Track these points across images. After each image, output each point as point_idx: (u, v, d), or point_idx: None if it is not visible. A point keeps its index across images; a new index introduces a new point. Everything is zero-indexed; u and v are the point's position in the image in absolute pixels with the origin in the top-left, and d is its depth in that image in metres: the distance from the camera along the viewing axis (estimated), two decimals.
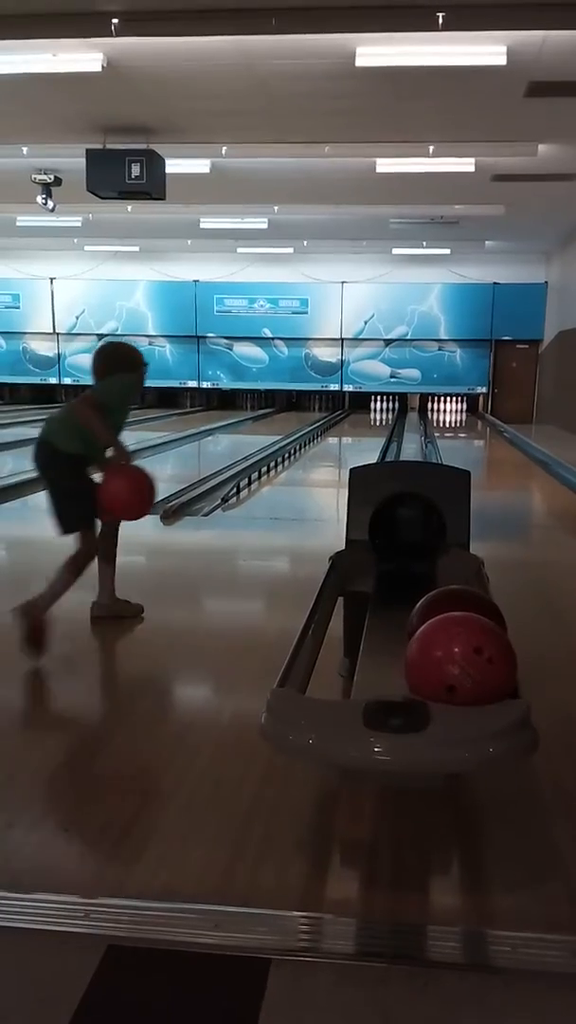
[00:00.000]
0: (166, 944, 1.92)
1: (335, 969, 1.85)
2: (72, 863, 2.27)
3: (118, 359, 4.36)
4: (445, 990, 1.79)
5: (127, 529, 7.17)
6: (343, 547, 3.55)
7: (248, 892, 2.11)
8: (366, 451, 12.59)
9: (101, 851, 2.33)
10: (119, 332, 20.41)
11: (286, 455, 11.60)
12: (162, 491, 8.33)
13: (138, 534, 6.79)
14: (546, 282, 18.75)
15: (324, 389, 20.39)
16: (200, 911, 2.02)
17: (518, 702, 2.07)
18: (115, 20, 6.07)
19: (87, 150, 9.04)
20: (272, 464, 10.52)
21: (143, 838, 2.37)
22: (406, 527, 3.59)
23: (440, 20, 5.75)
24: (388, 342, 19.81)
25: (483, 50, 6.50)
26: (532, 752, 2.03)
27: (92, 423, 3.94)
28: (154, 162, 8.99)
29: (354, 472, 3.74)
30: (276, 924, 1.99)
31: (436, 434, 15.57)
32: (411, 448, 13.06)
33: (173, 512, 7.09)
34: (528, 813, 2.54)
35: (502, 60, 6.55)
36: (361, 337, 19.85)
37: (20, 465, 9.95)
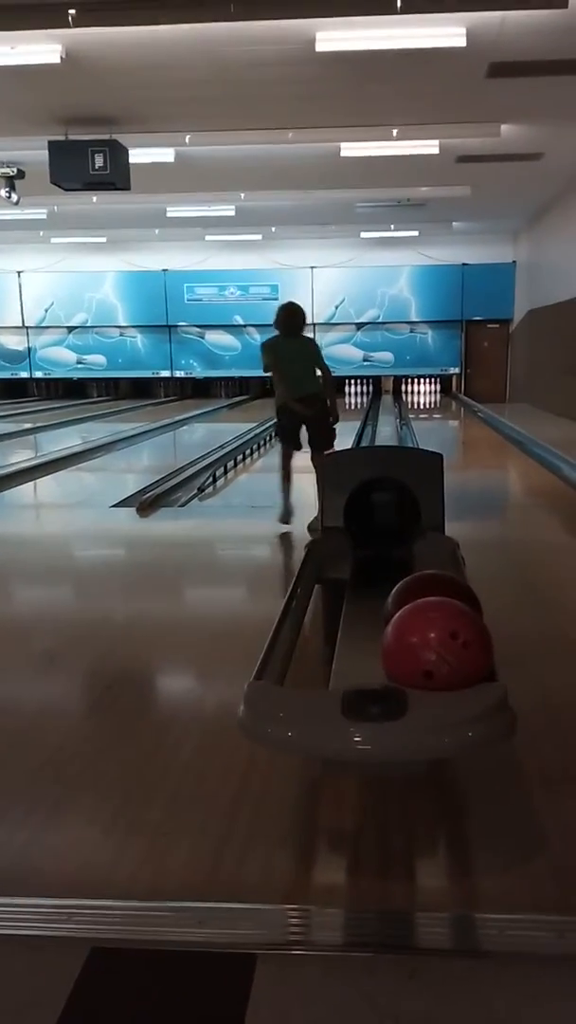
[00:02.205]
0: (150, 944, 1.91)
1: (322, 961, 1.85)
2: (55, 864, 2.26)
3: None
4: (433, 977, 1.80)
5: (103, 523, 7.15)
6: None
7: (233, 886, 2.11)
8: (341, 435, 12.54)
9: (84, 850, 2.32)
10: (89, 324, 20.27)
11: (262, 442, 11.57)
12: (138, 482, 8.35)
13: (115, 527, 6.78)
14: (514, 261, 18.79)
15: None
16: (185, 908, 2.02)
17: (495, 685, 2.08)
18: (72, 11, 5.98)
19: (49, 142, 8.92)
20: (248, 451, 10.50)
21: (126, 835, 2.36)
22: (380, 512, 3.59)
23: (399, 3, 5.71)
24: (360, 326, 19.79)
25: (442, 32, 6.46)
26: (511, 734, 2.04)
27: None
28: (117, 152, 8.89)
29: (327, 459, 3.73)
30: (262, 918, 1.99)
31: (411, 416, 15.58)
32: (386, 431, 13.07)
33: (149, 504, 7.06)
34: (510, 794, 2.56)
35: (462, 42, 6.53)
36: (333, 322, 19.81)
37: None
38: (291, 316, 6.26)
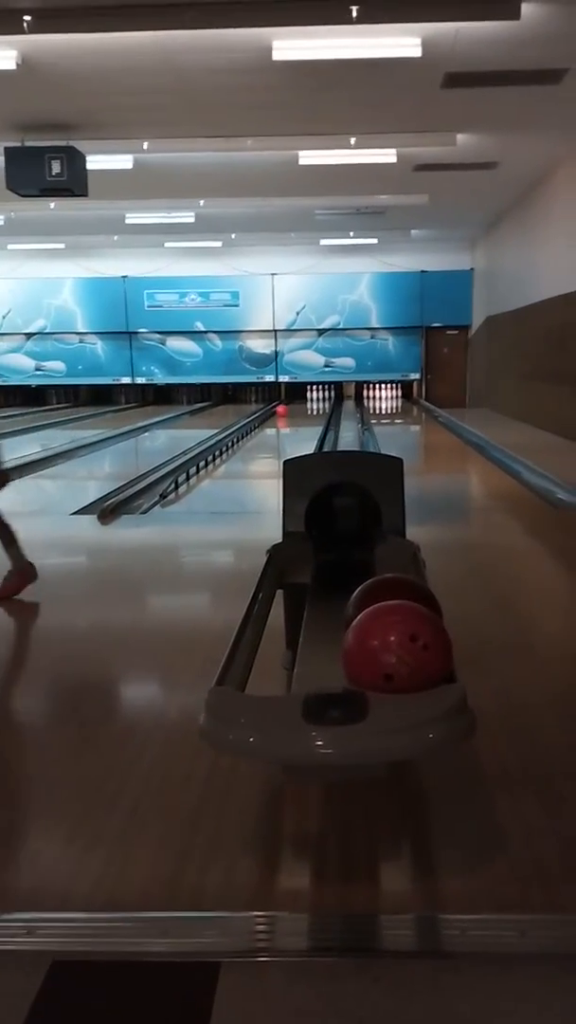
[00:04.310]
0: (113, 956, 1.89)
1: (286, 967, 1.85)
2: (14, 877, 2.23)
3: None
4: (397, 979, 1.81)
5: (63, 530, 7.09)
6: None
7: (196, 895, 2.10)
8: (304, 441, 12.63)
9: (44, 862, 2.30)
10: (48, 330, 20.15)
11: (224, 448, 11.57)
12: (99, 490, 8.30)
13: (76, 534, 6.73)
14: (472, 269, 19.01)
15: (259, 381, 20.40)
16: (147, 919, 2.00)
17: (454, 686, 2.09)
18: (27, 17, 5.95)
19: (5, 148, 8.87)
20: (210, 458, 10.49)
21: (87, 846, 2.34)
22: (342, 516, 3.60)
23: (354, 13, 5.77)
24: (321, 332, 19.90)
25: (398, 42, 6.55)
26: (471, 735, 2.05)
27: None
28: (75, 159, 8.86)
29: (288, 464, 3.74)
30: (225, 926, 1.98)
31: (372, 421, 15.68)
32: (348, 436, 13.13)
33: (111, 511, 7.02)
34: (472, 795, 2.57)
35: (417, 52, 6.61)
36: (294, 328, 19.89)
37: None
38: None
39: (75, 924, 2.00)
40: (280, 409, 17.63)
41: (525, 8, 5.99)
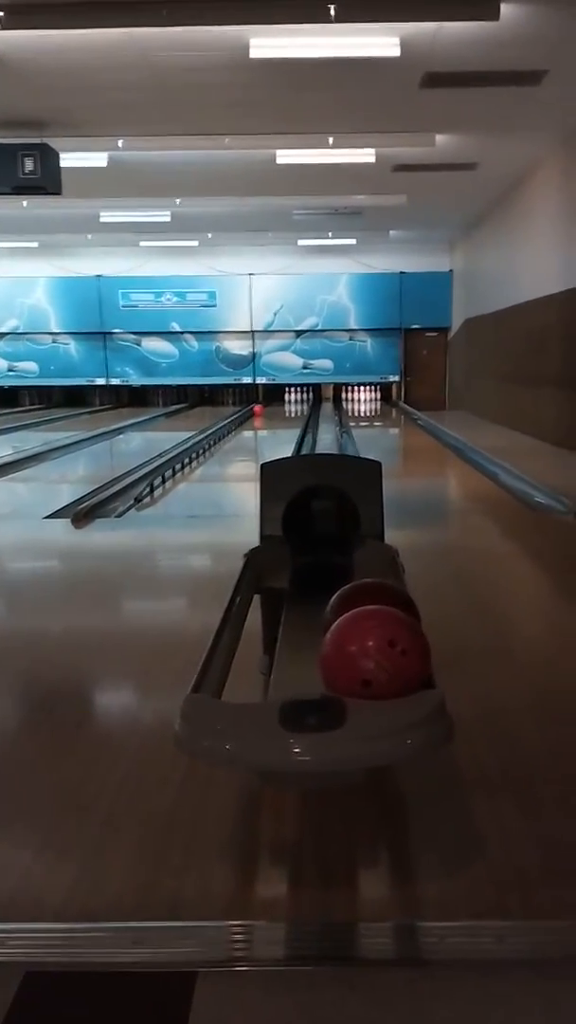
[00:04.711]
0: (87, 966, 1.86)
1: (263, 977, 1.83)
2: None
3: None
4: (374, 987, 1.79)
5: (36, 534, 7.04)
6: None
7: (171, 904, 2.06)
8: (281, 443, 12.61)
9: (15, 872, 2.25)
10: (20, 330, 20.00)
11: (201, 450, 11.52)
12: (73, 493, 8.23)
13: (49, 538, 6.66)
14: (451, 270, 19.08)
15: (237, 382, 20.34)
16: (121, 928, 1.97)
17: (433, 692, 2.07)
18: (0, 13, 5.89)
19: None
20: (186, 460, 10.44)
21: (60, 855, 2.30)
22: (320, 520, 3.58)
23: (332, 11, 5.76)
24: (299, 333, 19.89)
25: (377, 41, 6.55)
26: (449, 741, 2.03)
27: None
28: (48, 156, 8.80)
29: (265, 467, 3.71)
30: (201, 935, 1.95)
31: (351, 423, 15.69)
32: (327, 439, 13.13)
33: (85, 514, 6.95)
34: (451, 800, 2.56)
35: (396, 51, 6.61)
36: (271, 329, 19.86)
37: None
38: None
39: (49, 934, 1.96)
40: (256, 408, 18.02)
41: (504, 9, 6.01)
